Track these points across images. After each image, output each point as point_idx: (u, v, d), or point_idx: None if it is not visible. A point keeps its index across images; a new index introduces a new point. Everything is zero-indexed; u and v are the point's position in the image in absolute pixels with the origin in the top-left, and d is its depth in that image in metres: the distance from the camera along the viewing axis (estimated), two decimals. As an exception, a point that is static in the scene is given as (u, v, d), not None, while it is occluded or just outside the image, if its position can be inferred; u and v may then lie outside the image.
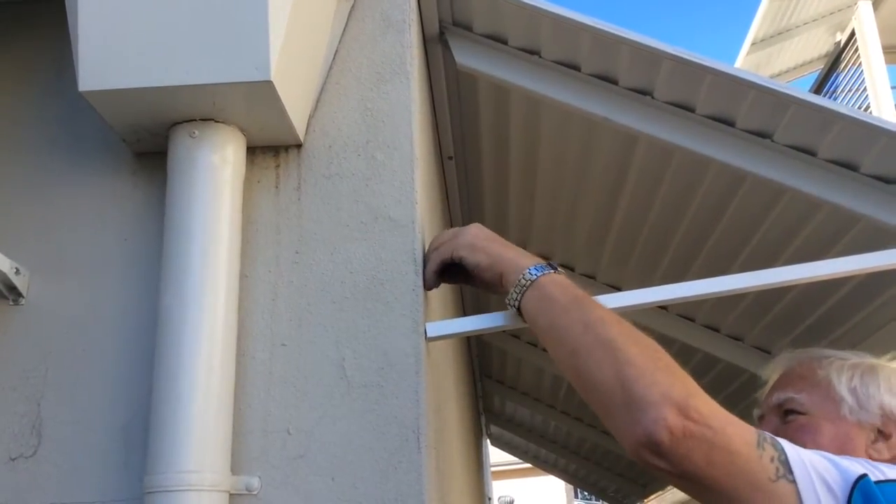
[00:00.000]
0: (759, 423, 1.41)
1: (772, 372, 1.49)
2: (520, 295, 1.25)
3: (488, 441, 7.77)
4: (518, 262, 1.29)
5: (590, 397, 1.10)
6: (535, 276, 1.24)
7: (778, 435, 1.18)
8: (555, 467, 8.05)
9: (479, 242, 1.37)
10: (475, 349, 4.59)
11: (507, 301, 1.29)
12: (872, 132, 1.71)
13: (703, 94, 1.81)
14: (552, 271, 1.26)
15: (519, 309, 1.27)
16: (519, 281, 1.25)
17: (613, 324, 1.12)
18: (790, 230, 2.16)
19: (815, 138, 1.81)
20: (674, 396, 1.00)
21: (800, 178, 1.85)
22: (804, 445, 1.14)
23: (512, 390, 5.69)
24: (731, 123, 1.86)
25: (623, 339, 1.09)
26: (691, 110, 1.87)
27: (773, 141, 1.85)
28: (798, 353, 1.46)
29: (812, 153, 1.84)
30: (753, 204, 2.12)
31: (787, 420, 1.34)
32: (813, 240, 2.14)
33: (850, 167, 1.83)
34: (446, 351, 2.17)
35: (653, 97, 1.88)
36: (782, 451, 1.04)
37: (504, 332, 4.41)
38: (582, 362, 1.10)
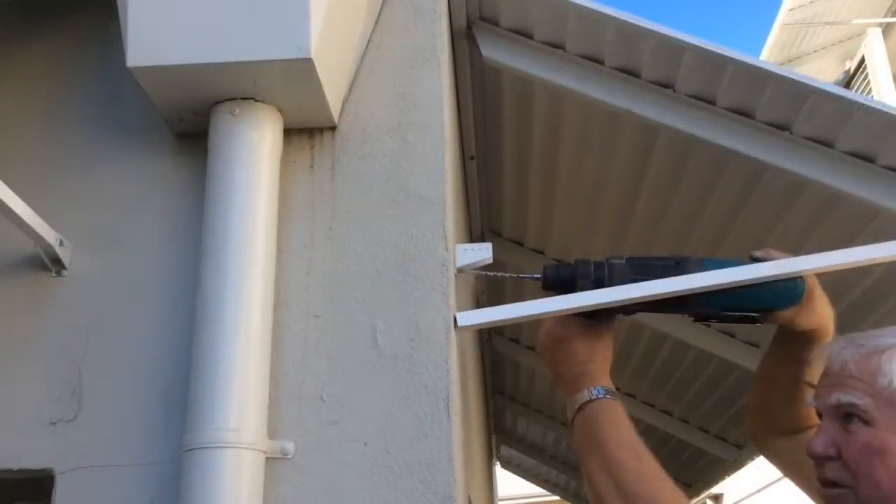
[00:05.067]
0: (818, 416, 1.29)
1: (819, 357, 1.36)
2: (572, 415, 1.39)
3: (498, 465, 7.70)
4: (571, 384, 1.40)
5: None
6: (582, 403, 1.37)
7: (842, 443, 1.18)
8: (566, 491, 7.97)
9: (545, 354, 1.46)
10: (489, 363, 4.60)
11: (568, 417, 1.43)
12: (889, 123, 1.75)
13: (723, 86, 1.86)
14: (599, 398, 1.36)
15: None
16: (573, 405, 1.38)
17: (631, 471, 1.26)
18: (810, 222, 2.19)
19: (833, 130, 1.85)
20: None
21: (818, 169, 1.89)
22: (874, 470, 1.14)
23: (524, 406, 5.67)
24: (750, 115, 1.91)
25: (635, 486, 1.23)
26: (712, 103, 1.92)
27: (791, 133, 1.90)
28: (846, 347, 1.26)
29: (829, 145, 1.88)
30: (773, 196, 2.16)
31: (850, 429, 1.20)
32: (833, 231, 2.16)
33: (868, 159, 1.87)
34: (468, 365, 2.21)
35: (674, 90, 1.93)
36: None
37: (518, 342, 4.42)
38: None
